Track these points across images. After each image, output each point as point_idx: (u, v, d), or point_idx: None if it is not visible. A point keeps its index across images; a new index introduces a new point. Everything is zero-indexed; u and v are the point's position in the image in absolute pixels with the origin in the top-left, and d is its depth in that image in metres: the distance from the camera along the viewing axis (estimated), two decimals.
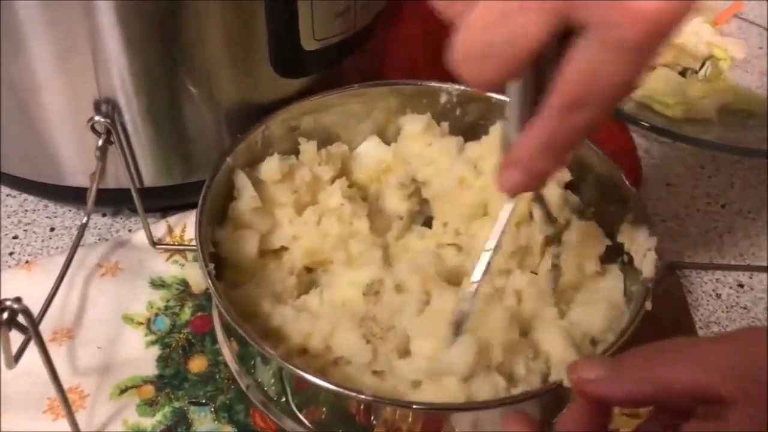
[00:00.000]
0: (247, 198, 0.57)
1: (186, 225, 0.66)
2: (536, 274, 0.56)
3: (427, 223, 0.62)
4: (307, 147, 0.61)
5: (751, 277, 0.66)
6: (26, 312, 0.42)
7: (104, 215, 0.69)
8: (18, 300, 0.41)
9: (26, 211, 0.69)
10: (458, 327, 0.47)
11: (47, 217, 0.68)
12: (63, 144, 0.60)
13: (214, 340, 0.57)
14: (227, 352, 0.54)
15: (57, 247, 0.66)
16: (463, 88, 0.62)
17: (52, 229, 0.67)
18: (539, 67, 0.36)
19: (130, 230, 0.67)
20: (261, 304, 0.53)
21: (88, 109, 0.57)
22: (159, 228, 0.65)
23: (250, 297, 0.53)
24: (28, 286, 0.59)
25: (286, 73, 0.61)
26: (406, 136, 0.63)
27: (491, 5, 0.33)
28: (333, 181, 0.60)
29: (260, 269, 0.57)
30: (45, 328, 0.57)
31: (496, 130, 0.61)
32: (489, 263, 0.45)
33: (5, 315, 0.41)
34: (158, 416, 0.54)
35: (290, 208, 0.58)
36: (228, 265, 0.56)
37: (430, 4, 0.36)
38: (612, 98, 0.34)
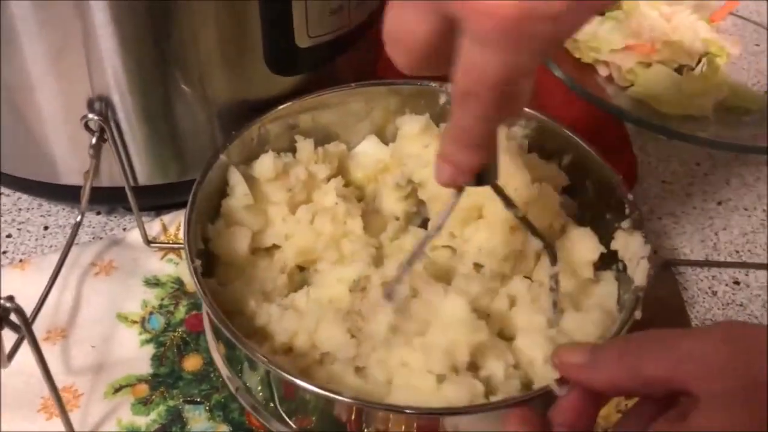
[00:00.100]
0: (239, 195, 0.57)
1: (180, 223, 0.65)
2: (530, 279, 0.55)
3: (424, 224, 0.62)
4: (304, 145, 0.61)
5: (747, 274, 0.66)
6: (19, 311, 0.42)
7: (98, 214, 0.68)
8: (11, 299, 0.41)
9: (20, 209, 0.69)
10: (389, 294, 0.50)
11: (41, 215, 0.68)
12: (57, 142, 0.60)
13: None
14: (218, 357, 0.54)
15: (51, 246, 0.66)
16: None
17: (45, 228, 0.67)
18: None
19: (124, 229, 0.67)
20: (248, 302, 0.53)
21: (81, 107, 0.57)
22: (153, 226, 0.65)
23: (238, 295, 0.53)
24: (21, 285, 0.59)
25: (281, 71, 0.61)
26: (403, 137, 0.62)
27: (394, 3, 0.37)
28: (328, 179, 0.60)
29: (251, 267, 0.56)
30: (39, 327, 0.57)
31: None
32: (424, 242, 0.49)
33: None
34: (153, 415, 0.53)
35: (284, 206, 0.58)
36: (219, 263, 0.56)
37: None
38: (494, 88, 0.35)
